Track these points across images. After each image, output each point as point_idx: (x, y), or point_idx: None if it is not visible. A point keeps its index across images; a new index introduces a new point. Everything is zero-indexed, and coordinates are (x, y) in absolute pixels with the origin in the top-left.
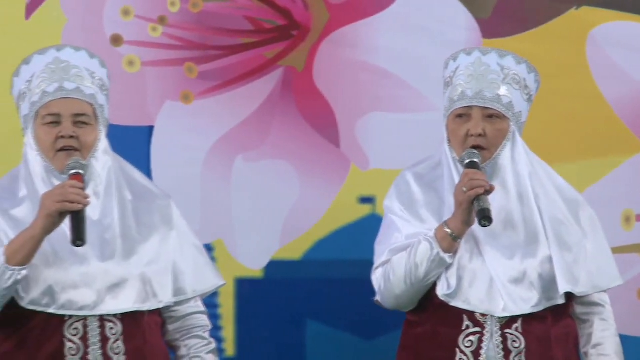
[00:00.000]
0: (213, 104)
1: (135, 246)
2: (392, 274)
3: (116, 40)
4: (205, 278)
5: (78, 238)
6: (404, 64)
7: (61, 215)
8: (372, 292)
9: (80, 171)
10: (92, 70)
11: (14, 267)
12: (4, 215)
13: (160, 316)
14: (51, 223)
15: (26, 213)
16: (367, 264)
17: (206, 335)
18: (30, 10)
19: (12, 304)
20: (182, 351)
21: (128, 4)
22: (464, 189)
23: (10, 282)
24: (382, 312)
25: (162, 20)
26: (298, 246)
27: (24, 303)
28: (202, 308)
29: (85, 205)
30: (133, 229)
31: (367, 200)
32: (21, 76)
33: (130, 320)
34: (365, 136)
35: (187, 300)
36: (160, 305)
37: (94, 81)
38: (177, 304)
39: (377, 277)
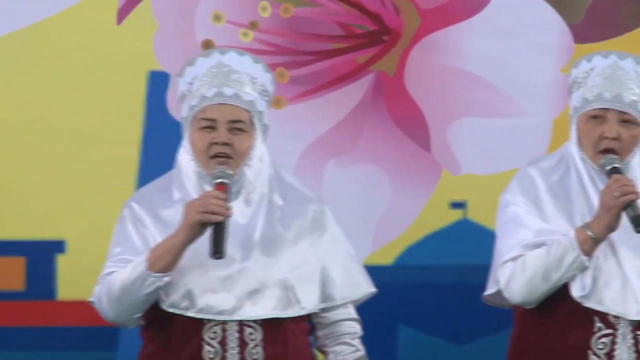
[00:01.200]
0: (304, 109)
1: (280, 252)
2: (524, 270)
3: (207, 45)
4: (355, 285)
5: (217, 251)
6: (495, 68)
7: (203, 225)
8: (465, 297)
9: (225, 181)
10: (254, 75)
11: (155, 274)
12: (155, 218)
13: (309, 322)
14: (193, 233)
15: (176, 216)
16: (459, 269)
17: (354, 342)
18: (121, 15)
19: (157, 306)
20: (330, 357)
21: (219, 9)
22: (616, 194)
23: (151, 288)
24: (475, 317)
25: (253, 25)
26: (389, 251)
27: (165, 305)
28: (353, 315)
29: (227, 216)
30: (280, 235)
31: (458, 205)
32: (185, 77)
33: (271, 326)
34: (457, 141)
35: (337, 307)
36: (303, 312)
37: (255, 87)
38: (325, 310)
39: (504, 272)
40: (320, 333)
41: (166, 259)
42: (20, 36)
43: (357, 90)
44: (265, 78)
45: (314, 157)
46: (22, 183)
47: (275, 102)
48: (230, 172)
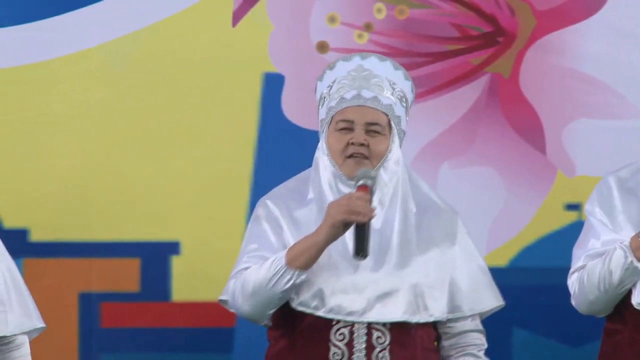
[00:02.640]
0: (419, 110)
1: (412, 258)
2: (586, 279)
3: (322, 47)
4: (483, 298)
5: (360, 250)
6: (612, 70)
7: (345, 226)
8: None
9: (369, 182)
10: (394, 81)
11: (293, 271)
12: (289, 218)
13: (435, 330)
14: (335, 233)
15: (309, 216)
16: None
17: (480, 354)
18: (237, 17)
19: (286, 305)
20: None
21: (334, 10)
22: None
23: (289, 284)
24: (589, 319)
25: (368, 27)
26: (504, 253)
27: (295, 304)
28: (480, 327)
29: (371, 218)
30: (412, 242)
31: (573, 207)
32: (324, 81)
33: (399, 331)
34: (572, 143)
35: (464, 318)
36: (431, 319)
37: (394, 92)
38: (452, 320)
39: (572, 282)
40: (445, 343)
41: (305, 257)
42: (136, 37)
43: (471, 92)
44: (405, 85)
45: (428, 159)
46: (138, 185)
47: None
48: (373, 174)
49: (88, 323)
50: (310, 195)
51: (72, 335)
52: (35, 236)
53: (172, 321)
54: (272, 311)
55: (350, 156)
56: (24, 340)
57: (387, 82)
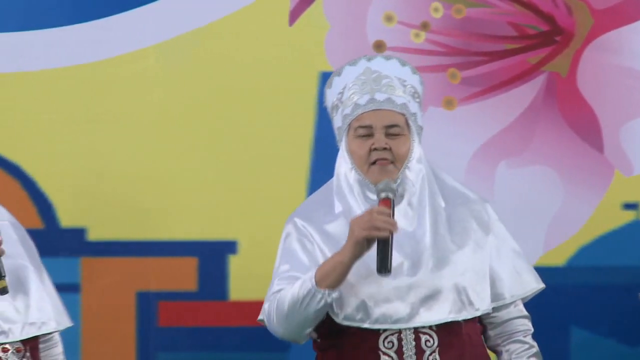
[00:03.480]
0: (476, 109)
1: (449, 255)
2: None
3: (379, 46)
4: (524, 282)
5: (383, 267)
6: None
7: (369, 241)
8: (637, 298)
9: (390, 195)
10: (403, 78)
11: (323, 290)
12: (321, 233)
13: (480, 323)
14: (359, 250)
15: (340, 229)
16: (632, 270)
17: (527, 339)
18: (293, 16)
19: (329, 319)
20: (504, 356)
21: (391, 9)
22: None
23: (320, 304)
24: None
25: (424, 26)
26: (561, 252)
27: (339, 319)
28: (524, 312)
29: (392, 232)
30: (447, 238)
31: (631, 206)
32: (333, 88)
33: (447, 331)
34: (630, 142)
35: (507, 305)
36: (478, 314)
37: (406, 90)
38: (496, 309)
39: None
40: (491, 333)
41: (334, 276)
42: (192, 37)
43: (529, 91)
44: (414, 80)
45: (486, 158)
46: (196, 184)
47: (447, 103)
48: (394, 186)
49: (145, 322)
50: (339, 208)
51: (130, 334)
52: (93, 235)
53: (229, 320)
54: (308, 331)
55: (374, 162)
56: (59, 338)
57: (397, 81)
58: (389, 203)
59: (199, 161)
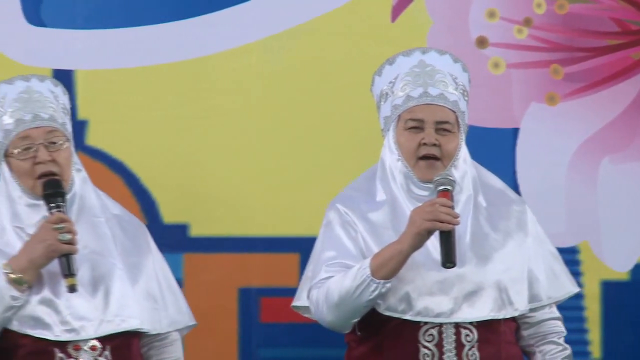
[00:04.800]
0: (579, 105)
1: (491, 253)
2: None
3: (482, 42)
4: (560, 285)
5: (448, 260)
6: None
7: (429, 233)
8: None
9: (449, 187)
10: (455, 75)
11: (379, 280)
12: (364, 221)
13: (515, 322)
14: (419, 241)
15: (383, 218)
16: None
17: (561, 341)
18: (396, 12)
19: (370, 309)
20: (537, 357)
21: (493, 5)
22: None
23: (374, 294)
24: None
25: (527, 22)
26: None
27: (381, 309)
28: (557, 314)
29: (455, 225)
30: (489, 236)
31: None
32: (383, 76)
33: (486, 327)
34: None
35: (542, 307)
36: (516, 314)
37: (457, 87)
38: (531, 310)
39: None
40: (525, 333)
41: (390, 266)
42: (295, 33)
43: (631, 87)
44: (464, 78)
45: (588, 154)
46: (297, 179)
47: (550, 99)
48: (452, 178)
49: (247, 318)
50: (382, 196)
51: (232, 330)
52: (196, 231)
53: None
54: (356, 320)
55: (423, 157)
56: (177, 337)
57: (450, 77)
58: (449, 195)
59: (301, 157)
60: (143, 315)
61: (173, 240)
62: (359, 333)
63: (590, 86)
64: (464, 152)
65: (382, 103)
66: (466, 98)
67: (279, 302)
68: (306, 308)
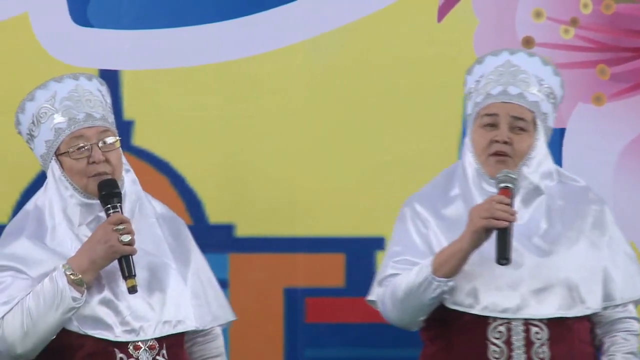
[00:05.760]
0: (625, 106)
1: (563, 251)
2: None
3: (528, 42)
4: (634, 285)
5: (502, 257)
6: None
7: (487, 231)
8: None
9: (510, 185)
10: (542, 77)
11: (440, 279)
12: (437, 218)
13: (589, 321)
14: (478, 239)
15: (457, 212)
16: None
17: (629, 337)
18: (442, 12)
19: (439, 306)
20: (604, 347)
21: (540, 5)
22: None
23: (436, 292)
24: None
25: (574, 22)
26: None
27: (448, 303)
28: (633, 313)
29: (512, 222)
30: (561, 234)
31: None
32: (473, 75)
33: (558, 325)
34: None
35: (616, 306)
36: (588, 312)
37: (541, 88)
38: (605, 309)
39: None
40: (598, 331)
41: (451, 264)
42: (340, 33)
43: None
44: (554, 81)
45: (635, 155)
46: (343, 180)
47: (596, 99)
48: (514, 176)
49: (293, 318)
50: (456, 190)
51: (278, 330)
52: (241, 231)
53: (377, 317)
54: (422, 318)
55: (494, 154)
56: (219, 332)
57: (535, 78)
58: (508, 193)
59: (346, 157)
60: (194, 313)
61: (219, 240)
62: (423, 324)
63: (637, 86)
64: (541, 153)
65: (467, 101)
66: (552, 101)
67: (325, 302)
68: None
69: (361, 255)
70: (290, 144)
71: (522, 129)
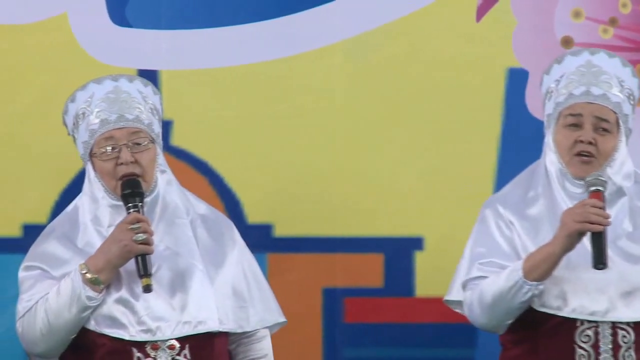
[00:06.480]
0: None
1: None
2: None
3: (567, 42)
4: None
5: (599, 262)
6: None
7: (580, 235)
8: None
9: (601, 188)
10: (622, 78)
11: (531, 282)
12: (521, 218)
13: None
14: (570, 243)
15: (540, 212)
16: None
17: None
18: (481, 12)
19: (526, 310)
20: None
21: (579, 5)
22: None
23: (527, 296)
24: None
25: (613, 21)
26: None
27: (536, 305)
28: None
29: (606, 226)
30: (635, 235)
31: None
32: (551, 74)
33: None
34: None
35: None
36: None
37: (623, 90)
38: None
39: None
40: None
41: (542, 268)
42: (379, 33)
43: None
44: (632, 83)
45: None
46: (381, 180)
47: None
48: (604, 178)
49: (331, 318)
50: (538, 190)
51: (316, 330)
52: (280, 231)
53: (415, 317)
54: (510, 322)
55: (578, 154)
56: (266, 333)
57: (616, 80)
58: (600, 196)
59: (384, 158)
60: (226, 314)
61: (257, 240)
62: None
63: None
64: (623, 154)
65: (546, 101)
66: (632, 102)
67: (363, 302)
68: (457, 303)
69: (399, 255)
70: (329, 144)
71: (605, 130)
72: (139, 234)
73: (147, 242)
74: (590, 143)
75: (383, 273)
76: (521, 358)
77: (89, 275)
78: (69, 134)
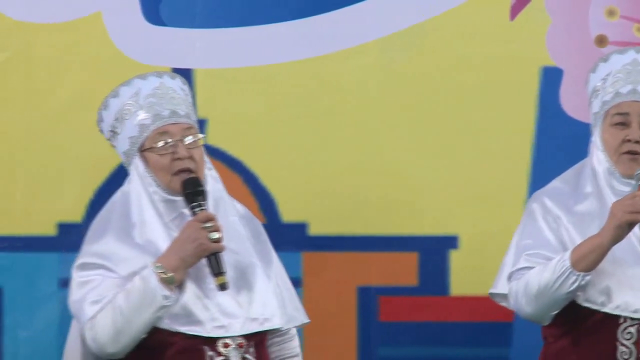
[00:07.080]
0: None
1: None
2: None
3: (601, 41)
4: None
5: None
6: None
7: (630, 226)
8: None
9: None
10: None
11: (578, 273)
12: (568, 213)
13: None
14: (619, 234)
15: (590, 209)
16: None
17: None
18: (515, 11)
19: (568, 304)
20: None
21: (613, 4)
22: None
23: (574, 286)
24: None
25: None
26: None
27: (580, 300)
28: None
29: None
30: None
31: None
32: (597, 73)
33: None
34: None
35: None
36: None
37: None
38: None
39: None
40: None
41: (591, 259)
42: (413, 32)
43: None
44: None
45: None
46: (416, 179)
47: None
48: None
49: (366, 316)
50: (588, 188)
51: (351, 329)
52: (314, 230)
53: (450, 315)
54: (554, 312)
55: (626, 153)
56: (295, 332)
57: None
58: None
59: (419, 156)
60: (281, 312)
61: (292, 238)
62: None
63: None
64: None
65: (593, 100)
66: None
67: (398, 301)
68: (502, 296)
69: (434, 254)
70: (363, 142)
71: None
72: (213, 232)
73: (219, 241)
74: (637, 142)
75: (418, 272)
76: (561, 353)
77: (164, 275)
78: (101, 131)
